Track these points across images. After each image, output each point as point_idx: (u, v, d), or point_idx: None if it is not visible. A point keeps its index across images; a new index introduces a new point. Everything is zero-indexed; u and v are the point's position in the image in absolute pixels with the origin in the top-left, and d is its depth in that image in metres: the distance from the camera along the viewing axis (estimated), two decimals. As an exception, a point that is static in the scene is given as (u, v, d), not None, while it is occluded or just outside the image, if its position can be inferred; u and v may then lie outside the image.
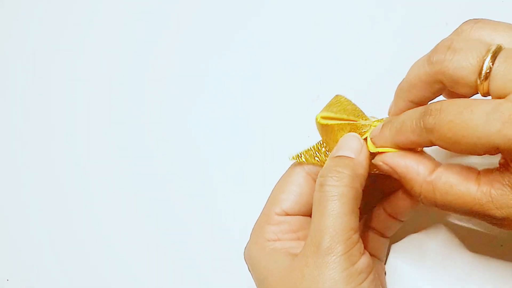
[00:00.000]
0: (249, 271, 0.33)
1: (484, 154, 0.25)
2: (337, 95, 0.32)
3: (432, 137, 0.26)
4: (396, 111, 0.30)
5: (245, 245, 0.33)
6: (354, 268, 0.28)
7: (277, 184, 0.34)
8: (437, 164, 0.28)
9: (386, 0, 0.44)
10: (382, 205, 0.34)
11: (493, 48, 0.26)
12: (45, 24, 0.50)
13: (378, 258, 0.35)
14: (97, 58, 0.48)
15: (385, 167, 0.29)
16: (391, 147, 0.29)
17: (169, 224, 0.43)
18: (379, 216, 0.34)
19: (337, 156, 0.30)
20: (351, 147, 0.30)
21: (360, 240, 0.29)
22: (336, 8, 0.45)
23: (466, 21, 0.29)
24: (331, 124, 0.30)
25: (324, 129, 0.31)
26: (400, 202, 0.33)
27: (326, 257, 0.28)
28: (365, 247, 0.32)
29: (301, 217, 0.33)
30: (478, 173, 0.27)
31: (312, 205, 0.31)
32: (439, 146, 0.27)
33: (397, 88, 0.30)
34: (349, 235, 0.28)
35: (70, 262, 0.44)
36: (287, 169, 0.34)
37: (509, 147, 0.24)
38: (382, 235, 0.35)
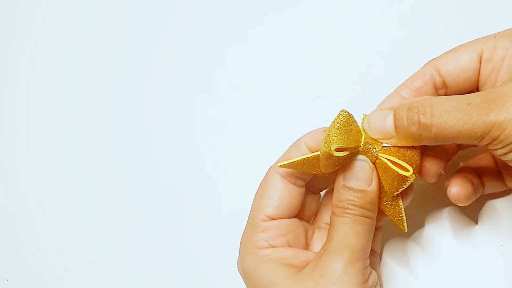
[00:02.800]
0: (245, 283, 0.33)
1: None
2: (342, 112, 0.31)
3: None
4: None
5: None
6: (367, 284, 0.30)
7: (257, 192, 0.34)
8: None
9: (386, 0, 0.44)
10: None
11: None
12: (46, 25, 0.49)
13: (374, 250, 0.35)
14: (98, 59, 0.48)
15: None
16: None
17: (170, 224, 0.43)
18: None
19: (352, 189, 0.31)
20: (365, 177, 0.31)
21: (369, 264, 0.31)
22: (336, 8, 0.45)
23: None
24: (342, 157, 0.30)
25: (333, 159, 0.30)
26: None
27: (346, 270, 0.29)
28: None
29: (287, 220, 0.33)
30: None
31: (293, 206, 0.33)
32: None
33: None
34: (365, 256, 0.31)
35: (70, 262, 0.44)
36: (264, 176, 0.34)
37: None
38: (376, 228, 0.34)
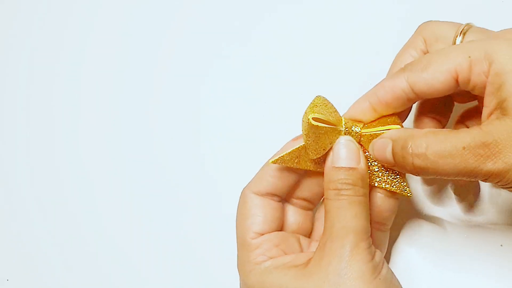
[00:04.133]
0: None
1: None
2: (318, 96, 0.33)
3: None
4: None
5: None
6: (375, 260, 0.30)
7: (237, 216, 0.34)
8: None
9: (386, 0, 0.44)
10: (374, 188, 0.34)
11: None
12: (45, 25, 0.50)
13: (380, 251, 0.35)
14: (98, 59, 0.48)
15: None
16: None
17: (170, 224, 0.43)
18: (375, 202, 0.34)
19: (341, 168, 0.31)
20: (352, 155, 0.31)
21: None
22: (337, 8, 0.45)
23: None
24: (320, 126, 0.31)
25: (313, 130, 0.31)
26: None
27: (353, 252, 0.29)
28: None
29: (276, 232, 0.34)
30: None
31: (277, 219, 0.34)
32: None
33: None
34: (368, 235, 0.31)
35: (70, 262, 0.44)
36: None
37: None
38: (380, 229, 0.35)
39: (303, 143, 0.32)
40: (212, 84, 0.45)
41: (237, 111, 0.44)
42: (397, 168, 0.31)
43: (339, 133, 0.32)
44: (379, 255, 0.31)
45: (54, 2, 0.49)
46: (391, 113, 0.32)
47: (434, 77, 0.30)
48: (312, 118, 0.31)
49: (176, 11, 0.48)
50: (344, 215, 0.30)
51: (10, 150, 0.47)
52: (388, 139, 0.31)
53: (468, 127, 0.34)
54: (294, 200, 0.35)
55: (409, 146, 0.29)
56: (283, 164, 0.33)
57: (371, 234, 0.33)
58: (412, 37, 0.34)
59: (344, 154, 0.31)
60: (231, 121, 0.44)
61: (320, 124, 0.31)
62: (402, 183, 0.32)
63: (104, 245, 0.44)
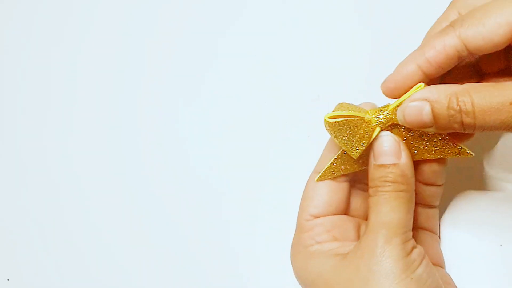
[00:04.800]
0: (300, 284, 0.33)
1: None
2: (340, 103, 0.32)
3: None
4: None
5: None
6: (410, 257, 0.30)
7: (302, 195, 0.35)
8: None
9: (386, 0, 0.44)
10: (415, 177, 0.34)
11: None
12: (42, 25, 0.50)
13: (431, 231, 0.35)
14: (94, 59, 0.48)
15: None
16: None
17: (169, 226, 0.43)
18: (420, 189, 0.34)
19: (382, 165, 0.31)
20: (392, 151, 0.31)
21: (413, 239, 0.31)
22: (336, 8, 0.45)
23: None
24: (340, 121, 0.31)
25: (337, 129, 0.31)
26: (426, 166, 0.33)
27: (384, 247, 0.29)
28: (416, 223, 0.34)
29: (332, 216, 0.34)
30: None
31: (335, 202, 0.33)
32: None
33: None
34: (404, 230, 0.30)
35: (71, 262, 0.44)
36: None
37: None
38: (429, 206, 0.34)
39: (340, 150, 0.32)
40: (211, 84, 0.45)
41: (237, 111, 0.44)
42: (438, 129, 0.29)
43: (369, 122, 0.31)
44: (417, 252, 0.30)
45: (51, 2, 0.50)
46: (439, 75, 0.30)
47: (493, 31, 0.28)
48: (328, 117, 0.31)
49: (176, 10, 0.48)
50: (380, 209, 0.30)
51: (10, 150, 0.47)
52: (423, 101, 0.29)
53: None
54: (358, 184, 0.35)
55: (455, 102, 0.28)
56: (329, 178, 0.33)
57: (420, 212, 0.34)
58: (446, 11, 0.32)
59: (383, 150, 0.31)
60: (231, 121, 0.44)
61: (338, 120, 0.30)
62: (455, 146, 0.31)
63: (105, 245, 0.44)
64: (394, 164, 0.30)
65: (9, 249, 0.45)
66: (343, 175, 0.34)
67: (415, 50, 0.31)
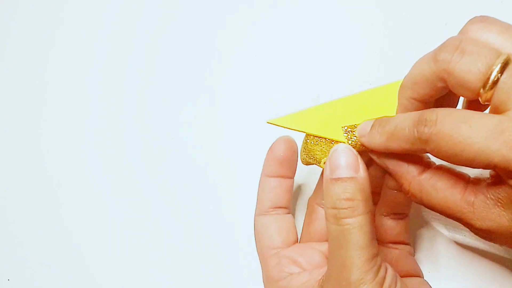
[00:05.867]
0: None
1: (480, 168, 0.25)
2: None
3: (427, 147, 0.26)
4: (399, 109, 0.30)
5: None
6: (378, 278, 0.28)
7: (255, 236, 0.35)
8: (428, 165, 0.29)
9: (386, 1, 0.44)
10: (386, 185, 0.33)
11: (503, 57, 0.25)
12: (39, 25, 0.50)
13: (403, 243, 0.35)
14: (89, 59, 0.48)
15: (378, 161, 0.30)
16: (380, 150, 0.29)
17: (168, 226, 0.43)
18: (390, 197, 0.33)
19: (339, 179, 0.28)
20: (350, 164, 0.29)
21: (381, 259, 0.29)
22: (336, 8, 0.45)
23: (472, 19, 0.28)
24: (318, 138, 0.31)
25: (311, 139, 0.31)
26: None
27: (359, 285, 0.28)
28: (387, 236, 0.33)
29: (292, 247, 0.34)
30: (467, 181, 0.27)
31: (291, 233, 0.33)
32: (433, 155, 0.26)
33: (400, 85, 0.30)
34: (374, 262, 0.28)
35: (71, 262, 0.44)
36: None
37: (506, 167, 0.24)
38: (400, 216, 0.34)
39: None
40: (211, 84, 0.46)
41: (237, 111, 0.44)
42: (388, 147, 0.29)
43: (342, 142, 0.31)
44: (389, 277, 0.29)
45: (48, 2, 0.50)
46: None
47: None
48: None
49: (176, 10, 0.48)
50: (346, 247, 0.28)
51: (11, 150, 0.47)
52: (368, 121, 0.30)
53: None
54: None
55: (416, 119, 0.26)
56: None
57: (385, 225, 0.33)
58: (429, 68, 0.28)
59: (341, 162, 0.29)
60: (231, 121, 0.44)
61: (317, 136, 0.31)
62: None
63: (105, 246, 0.44)
64: (352, 178, 0.28)
65: (10, 249, 0.45)
66: (279, 206, 0.34)
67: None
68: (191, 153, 0.44)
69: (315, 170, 0.34)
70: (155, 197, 0.44)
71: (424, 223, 0.38)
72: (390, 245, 0.34)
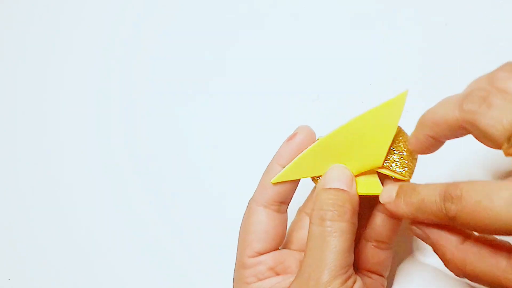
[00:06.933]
0: None
1: (507, 235, 0.25)
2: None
3: (454, 223, 0.26)
4: (415, 144, 0.30)
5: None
6: None
7: (242, 227, 0.34)
8: (468, 235, 0.29)
9: (385, 1, 0.44)
10: (376, 208, 0.33)
11: None
12: (40, 24, 0.50)
13: (380, 274, 0.34)
14: (89, 59, 0.48)
15: (418, 231, 0.30)
16: (407, 218, 0.30)
17: (169, 226, 0.43)
18: (378, 221, 0.33)
19: (331, 188, 0.30)
20: (343, 179, 0.30)
21: (353, 273, 0.30)
22: (336, 8, 0.45)
23: (503, 66, 0.28)
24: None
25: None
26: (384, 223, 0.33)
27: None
28: (365, 263, 0.33)
29: (275, 252, 0.33)
30: (509, 249, 0.27)
31: (279, 236, 0.32)
32: (461, 228, 0.28)
33: (420, 120, 0.30)
34: (346, 270, 0.29)
35: (71, 262, 0.44)
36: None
37: None
38: (383, 247, 0.34)
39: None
40: (211, 84, 0.45)
41: (237, 111, 0.44)
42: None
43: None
44: (358, 286, 0.29)
45: (44, 2, 0.50)
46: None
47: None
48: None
49: (177, 11, 0.48)
50: (323, 248, 0.29)
51: (10, 150, 0.47)
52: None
53: None
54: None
55: (442, 195, 0.27)
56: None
57: (365, 252, 0.33)
58: (452, 114, 0.28)
59: (335, 176, 0.30)
60: (231, 121, 0.44)
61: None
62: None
63: (105, 245, 0.44)
64: (344, 190, 0.30)
65: (10, 249, 0.45)
66: (283, 201, 0.33)
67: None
68: (190, 153, 0.44)
69: (308, 182, 0.34)
70: (155, 197, 0.44)
71: (404, 262, 0.38)
72: (365, 272, 0.34)
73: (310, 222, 0.30)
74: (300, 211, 0.36)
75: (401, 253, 0.38)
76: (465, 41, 0.42)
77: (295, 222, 0.36)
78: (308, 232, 0.30)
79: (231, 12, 0.47)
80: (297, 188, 0.33)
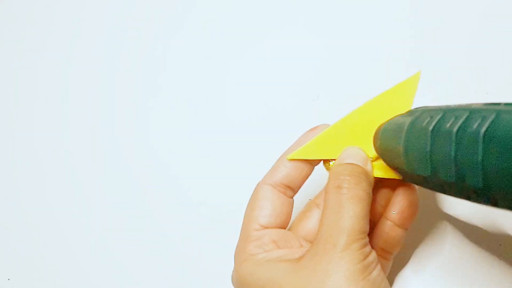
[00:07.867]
0: None
1: None
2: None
3: None
4: None
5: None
6: (367, 261, 0.29)
7: (248, 204, 0.34)
8: None
9: (385, 1, 0.45)
10: (385, 216, 0.34)
11: None
12: (39, 23, 0.50)
13: (390, 253, 0.35)
14: (89, 59, 0.48)
15: None
16: None
17: (168, 226, 0.43)
18: (386, 228, 0.34)
19: (348, 163, 0.31)
20: (359, 158, 0.31)
21: (369, 244, 0.30)
22: (336, 8, 0.45)
23: None
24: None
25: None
26: (403, 202, 0.33)
27: (343, 253, 0.29)
28: (382, 241, 0.34)
29: (279, 229, 0.33)
30: None
31: (284, 215, 0.33)
32: None
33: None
34: (363, 236, 0.29)
35: (71, 262, 0.44)
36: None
37: None
38: (385, 256, 0.34)
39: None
40: (211, 84, 0.46)
41: (237, 111, 0.44)
42: None
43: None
44: (373, 256, 0.30)
45: (41, 2, 0.50)
46: None
47: None
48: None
49: (176, 11, 0.48)
50: (341, 213, 0.29)
51: (10, 150, 0.47)
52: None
53: None
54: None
55: None
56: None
57: (390, 231, 0.33)
58: None
59: (350, 154, 0.31)
60: (231, 121, 0.44)
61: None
62: None
63: (105, 245, 0.44)
64: (359, 165, 0.31)
65: (10, 249, 0.45)
66: (290, 186, 0.33)
67: None
68: (190, 154, 0.44)
69: (318, 180, 0.34)
70: (155, 197, 0.44)
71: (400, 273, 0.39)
72: (380, 250, 0.34)
73: (326, 193, 0.30)
74: (311, 203, 0.36)
75: (396, 262, 0.38)
76: (464, 40, 0.42)
77: (303, 212, 0.36)
78: (324, 202, 0.30)
79: (231, 12, 0.47)
80: (302, 189, 0.34)
